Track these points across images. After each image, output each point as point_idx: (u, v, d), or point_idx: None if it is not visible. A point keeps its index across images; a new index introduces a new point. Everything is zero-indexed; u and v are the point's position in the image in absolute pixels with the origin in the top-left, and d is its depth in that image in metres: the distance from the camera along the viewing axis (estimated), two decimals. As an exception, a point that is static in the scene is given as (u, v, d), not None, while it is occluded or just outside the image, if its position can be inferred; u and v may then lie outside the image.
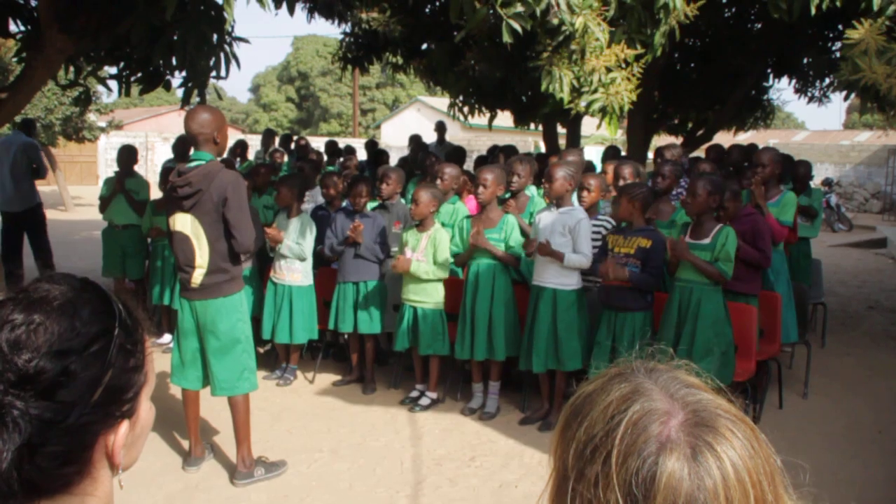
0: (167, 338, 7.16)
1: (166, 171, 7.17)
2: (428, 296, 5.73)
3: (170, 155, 8.11)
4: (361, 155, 12.37)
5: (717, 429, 0.85)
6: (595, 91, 6.03)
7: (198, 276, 4.29)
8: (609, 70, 6.02)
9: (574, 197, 5.57)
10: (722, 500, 0.81)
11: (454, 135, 21.64)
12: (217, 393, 4.48)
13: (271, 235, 5.98)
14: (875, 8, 5.80)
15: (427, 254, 5.68)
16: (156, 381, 1.11)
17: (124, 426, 1.02)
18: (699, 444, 0.84)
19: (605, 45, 5.93)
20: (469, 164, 9.66)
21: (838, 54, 7.66)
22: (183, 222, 4.29)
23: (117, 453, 1.02)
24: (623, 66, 6.14)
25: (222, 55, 6.91)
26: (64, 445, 0.95)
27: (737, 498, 0.82)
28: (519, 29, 5.53)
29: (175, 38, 6.48)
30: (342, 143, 12.40)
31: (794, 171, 7.36)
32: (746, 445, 0.85)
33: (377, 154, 10.27)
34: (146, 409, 1.08)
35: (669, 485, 0.81)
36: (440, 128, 11.81)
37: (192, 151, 4.38)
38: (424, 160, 8.20)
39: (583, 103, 6.09)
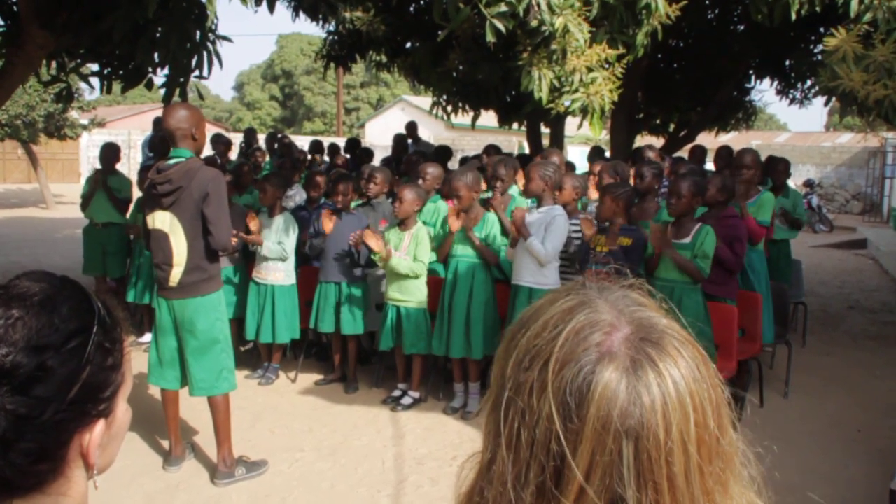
0: (148, 337, 7.10)
1: (144, 169, 7.12)
2: (411, 295, 5.73)
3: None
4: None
5: (662, 346, 0.81)
6: (576, 91, 6.03)
7: (176, 275, 4.26)
8: (590, 70, 6.03)
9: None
10: (659, 419, 0.77)
11: (438, 134, 21.64)
12: (195, 393, 4.45)
13: (251, 239, 5.98)
14: (852, 14, 5.86)
15: (409, 252, 5.67)
16: (136, 381, 1.10)
17: (100, 425, 1.01)
18: (641, 359, 0.79)
19: (587, 46, 5.93)
20: (454, 164, 9.65)
21: (820, 57, 7.72)
22: (162, 220, 4.26)
23: (92, 453, 1.01)
24: (605, 66, 6.15)
25: (205, 53, 6.86)
26: (38, 442, 0.94)
27: (676, 420, 0.78)
28: (503, 28, 5.53)
29: (157, 35, 6.43)
30: (326, 141, 12.32)
31: (772, 170, 7.22)
32: (692, 367, 0.81)
33: (360, 152, 10.24)
34: (123, 410, 1.07)
35: (604, 395, 0.78)
36: (411, 127, 11.61)
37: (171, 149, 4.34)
38: (407, 160, 8.19)
39: (565, 103, 6.10)
